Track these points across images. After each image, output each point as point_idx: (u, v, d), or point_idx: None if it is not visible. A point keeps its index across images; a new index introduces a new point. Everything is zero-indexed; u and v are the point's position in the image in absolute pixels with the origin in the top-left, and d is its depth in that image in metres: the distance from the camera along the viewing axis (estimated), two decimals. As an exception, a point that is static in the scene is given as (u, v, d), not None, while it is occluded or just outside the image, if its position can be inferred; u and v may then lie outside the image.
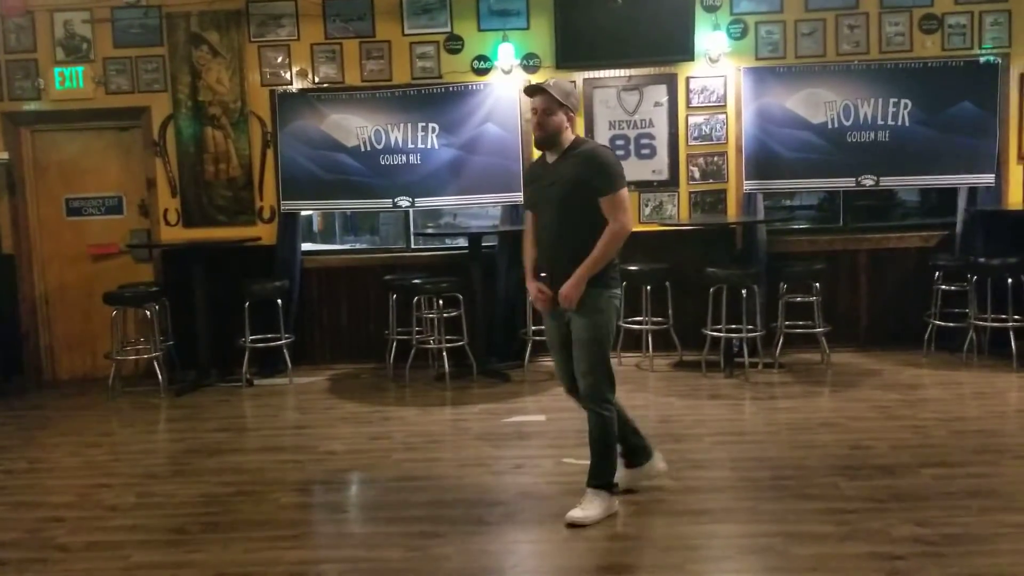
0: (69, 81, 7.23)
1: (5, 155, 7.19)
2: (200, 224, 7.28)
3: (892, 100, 6.96)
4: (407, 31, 7.17)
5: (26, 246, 7.39)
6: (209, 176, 7.27)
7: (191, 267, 6.87)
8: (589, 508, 3.87)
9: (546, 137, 3.90)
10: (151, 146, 7.26)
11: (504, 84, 7.09)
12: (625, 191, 3.88)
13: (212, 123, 7.21)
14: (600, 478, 3.93)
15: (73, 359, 7.51)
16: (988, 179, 6.96)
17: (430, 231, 8.01)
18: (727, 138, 7.17)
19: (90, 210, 7.44)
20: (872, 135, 7.00)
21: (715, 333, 6.56)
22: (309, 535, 4.06)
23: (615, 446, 3.99)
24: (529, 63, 7.14)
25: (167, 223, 7.31)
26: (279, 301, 6.80)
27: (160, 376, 6.72)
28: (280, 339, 6.85)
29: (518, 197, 7.06)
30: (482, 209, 7.74)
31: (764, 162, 7.07)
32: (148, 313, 6.79)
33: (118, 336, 6.86)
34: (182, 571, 3.55)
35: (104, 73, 7.21)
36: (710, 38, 7.02)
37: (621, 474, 4.08)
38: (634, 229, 6.96)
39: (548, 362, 7.08)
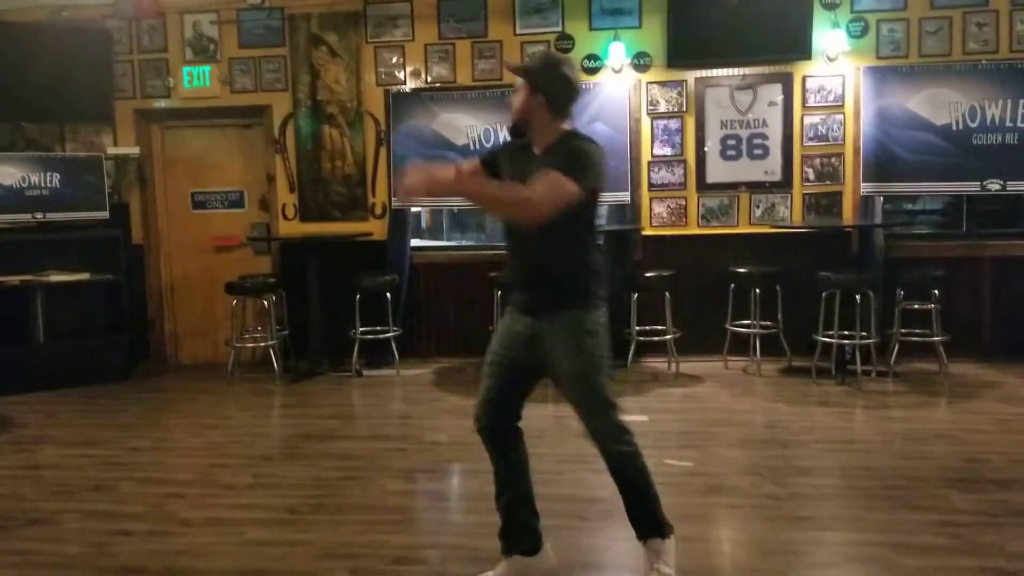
0: (197, 80, 7.58)
1: (137, 150, 7.58)
2: (316, 219, 7.53)
3: (1022, 101, 6.65)
4: (519, 31, 7.25)
5: (154, 237, 7.79)
6: (325, 173, 7.51)
7: (306, 260, 7.11)
8: (663, 565, 3.18)
9: (514, 122, 3.19)
10: (272, 143, 7.55)
11: (614, 83, 7.09)
12: (577, 189, 2.89)
13: (329, 121, 7.45)
14: (650, 524, 3.26)
15: (195, 345, 7.87)
16: None
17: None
18: (844, 139, 6.99)
19: (214, 204, 7.79)
20: (999, 137, 6.70)
21: (827, 339, 6.40)
22: (413, 521, 4.16)
23: (650, 484, 3.25)
24: (640, 62, 7.11)
25: (285, 217, 7.58)
26: (388, 295, 6.97)
27: (276, 364, 6.98)
28: (388, 332, 7.03)
29: (625, 197, 7.08)
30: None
31: (883, 164, 6.85)
32: (265, 303, 7.06)
33: (237, 324, 7.15)
34: (294, 549, 3.69)
35: (229, 72, 7.52)
36: (828, 36, 6.85)
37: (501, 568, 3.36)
38: (744, 231, 7.00)
39: (652, 362, 7.07)
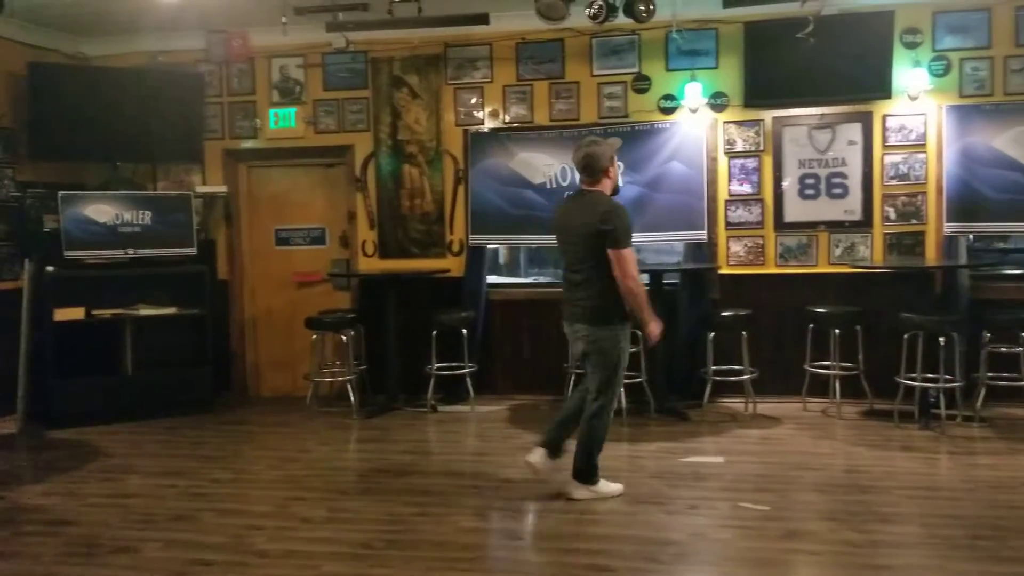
0: (283, 121, 7.82)
1: (224, 188, 7.84)
2: (394, 255, 7.67)
3: (1115, 139, 6.45)
4: (595, 72, 7.32)
5: (239, 272, 8.03)
6: (404, 210, 7.66)
7: (385, 296, 7.24)
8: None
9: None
10: (353, 182, 7.74)
11: (691, 122, 7.10)
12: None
13: (409, 160, 7.62)
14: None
15: (275, 378, 8.05)
16: None
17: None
18: (926, 178, 6.86)
19: (296, 240, 8.01)
20: (1090, 176, 6.50)
21: (910, 382, 6.25)
22: (485, 559, 4.18)
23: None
24: (717, 101, 7.11)
25: (364, 254, 7.75)
26: (464, 331, 7.04)
27: (353, 398, 7.10)
28: (464, 368, 7.09)
29: (702, 235, 7.06)
30: (668, 246, 7.69)
31: (967, 203, 6.69)
32: (344, 338, 7.20)
33: (317, 358, 7.31)
34: (367, 584, 3.75)
35: (314, 113, 7.76)
36: (910, 75, 6.76)
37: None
38: (823, 270, 6.91)
39: (729, 402, 6.98)
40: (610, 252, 4.54)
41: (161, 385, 7.22)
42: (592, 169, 4.70)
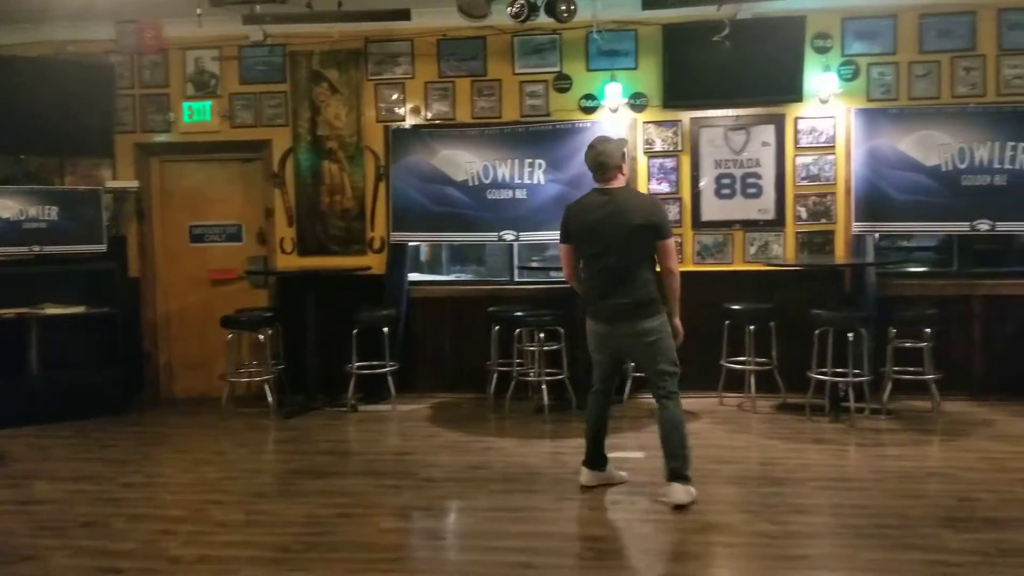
0: (197, 115, 7.64)
1: (135, 184, 7.62)
2: (314, 253, 7.57)
3: (1010, 144, 6.73)
4: (517, 70, 7.35)
5: (151, 270, 7.81)
6: (324, 207, 7.56)
7: (304, 294, 7.14)
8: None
9: None
10: (271, 178, 7.61)
11: (611, 122, 7.17)
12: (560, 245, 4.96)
13: (329, 156, 7.52)
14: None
15: (190, 379, 7.86)
16: (1113, 226, 6.67)
17: (534, 264, 8.11)
18: (836, 179, 7.08)
19: (212, 237, 7.83)
20: (989, 179, 6.78)
21: (820, 376, 6.44)
22: (407, 560, 4.15)
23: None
24: (636, 102, 7.21)
25: (283, 251, 7.62)
26: (385, 329, 6.98)
27: (270, 398, 6.98)
28: (385, 367, 7.04)
29: (622, 234, 7.11)
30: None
31: (874, 204, 6.94)
32: (261, 337, 7.07)
33: (233, 358, 7.16)
34: (287, 587, 3.70)
35: (230, 108, 7.60)
36: (820, 79, 6.97)
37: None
38: (738, 268, 7.07)
39: (648, 398, 7.05)
40: (661, 244, 4.64)
41: (69, 387, 6.96)
42: (606, 166, 4.67)
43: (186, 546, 4.20)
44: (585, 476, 4.91)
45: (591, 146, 4.74)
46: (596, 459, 4.92)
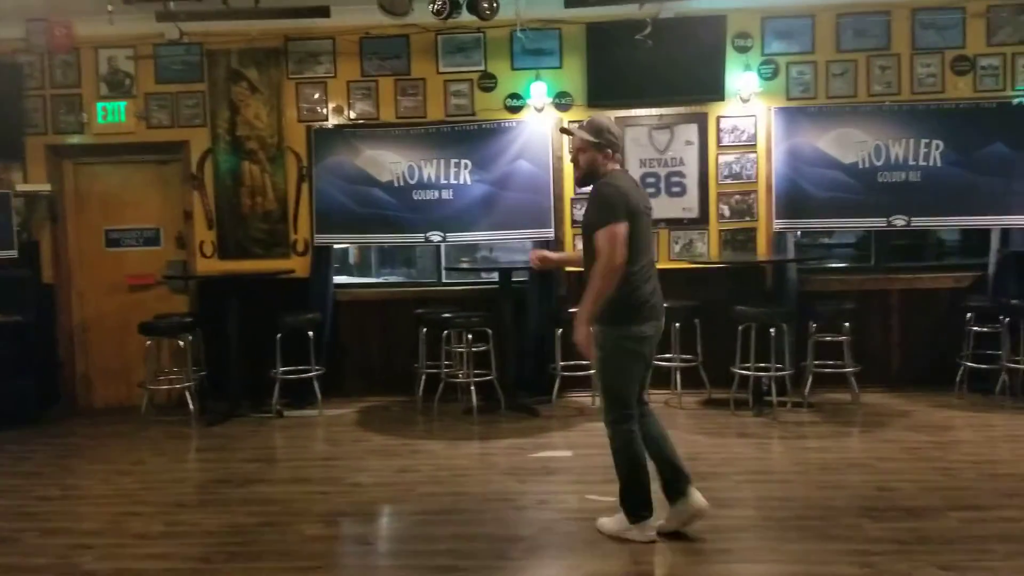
0: (111, 115, 7.42)
1: (48, 187, 7.36)
2: (235, 256, 7.41)
3: (924, 141, 6.94)
4: (442, 69, 7.30)
5: (66, 276, 7.56)
6: (245, 209, 7.41)
7: (225, 298, 6.97)
8: (608, 521, 4.14)
9: (579, 176, 4.13)
10: (189, 179, 7.42)
11: (537, 121, 7.18)
12: (615, 226, 3.78)
13: (249, 157, 7.37)
14: (621, 499, 4.08)
15: (108, 388, 7.63)
16: (1021, 221, 6.90)
17: (464, 266, 8.07)
18: (757, 177, 7.19)
19: (129, 241, 7.61)
20: (904, 175, 6.98)
21: (744, 371, 6.53)
22: (332, 567, 4.07)
23: (631, 474, 4.01)
24: (561, 101, 7.22)
25: (203, 255, 7.44)
26: (311, 333, 6.87)
27: (192, 406, 6.81)
28: (311, 371, 6.93)
29: (549, 233, 7.15)
30: (520, 244, 7.75)
31: (795, 201, 7.07)
32: (182, 343, 6.89)
33: (152, 365, 6.97)
34: (207, 599, 3.60)
35: (145, 108, 7.39)
36: (741, 78, 7.07)
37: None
38: (664, 266, 7.12)
39: (576, 397, 7.10)
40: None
41: (-20, 398, 6.70)
42: (617, 146, 4.10)
43: (102, 560, 4.06)
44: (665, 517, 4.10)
45: (609, 123, 4.13)
46: (677, 484, 4.08)
